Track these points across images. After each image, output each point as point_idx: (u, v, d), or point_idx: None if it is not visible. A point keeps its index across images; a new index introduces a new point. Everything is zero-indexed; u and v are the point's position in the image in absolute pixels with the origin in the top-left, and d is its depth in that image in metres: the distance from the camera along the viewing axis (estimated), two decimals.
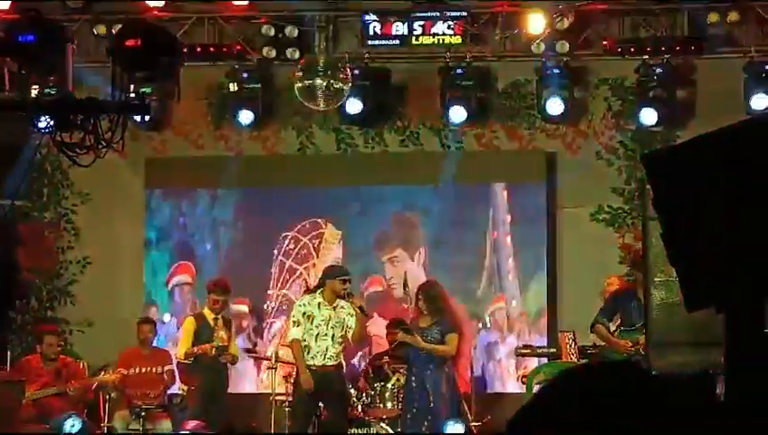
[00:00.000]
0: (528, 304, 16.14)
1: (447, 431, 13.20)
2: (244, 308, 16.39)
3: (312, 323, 13.57)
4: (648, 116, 15.47)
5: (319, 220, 16.46)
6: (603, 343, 13.77)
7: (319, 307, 13.61)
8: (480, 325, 16.04)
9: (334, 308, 13.65)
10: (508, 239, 16.19)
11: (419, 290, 14.02)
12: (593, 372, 2.32)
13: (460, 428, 13.22)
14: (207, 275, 15.91)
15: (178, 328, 15.62)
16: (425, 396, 13.59)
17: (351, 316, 13.62)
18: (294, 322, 13.69)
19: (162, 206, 16.82)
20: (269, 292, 16.45)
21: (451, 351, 13.65)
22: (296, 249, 16.45)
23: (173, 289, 16.65)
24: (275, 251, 16.47)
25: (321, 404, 13.79)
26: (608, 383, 2.26)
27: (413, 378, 13.71)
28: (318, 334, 13.55)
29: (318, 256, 16.37)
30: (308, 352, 13.53)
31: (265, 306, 16.46)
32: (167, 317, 16.47)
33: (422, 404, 13.58)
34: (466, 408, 14.05)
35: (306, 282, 15.59)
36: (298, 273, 16.41)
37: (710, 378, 4.12)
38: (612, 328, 13.63)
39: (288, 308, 15.52)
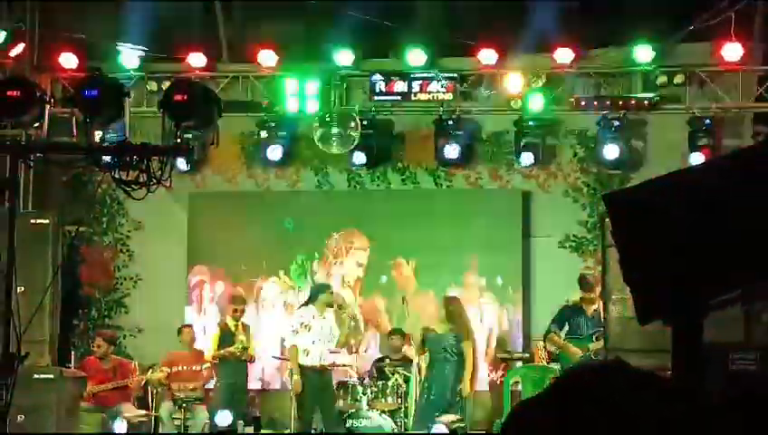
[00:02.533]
0: (506, 315, 16.13)
1: (435, 428, 13.16)
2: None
3: (309, 332, 13.70)
4: (611, 152, 15.52)
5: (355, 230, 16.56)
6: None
7: (314, 317, 13.75)
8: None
9: (324, 318, 13.80)
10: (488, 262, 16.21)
11: (445, 301, 14.05)
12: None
13: (443, 428, 13.14)
14: None
15: None
16: (426, 393, 13.62)
17: (336, 325, 13.99)
18: (294, 331, 13.84)
19: None
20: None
21: (470, 356, 13.77)
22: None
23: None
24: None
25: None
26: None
27: (432, 373, 13.74)
28: (315, 341, 13.68)
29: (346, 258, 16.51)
30: (307, 355, 13.71)
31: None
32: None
33: (432, 398, 13.62)
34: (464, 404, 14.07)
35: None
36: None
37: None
38: (562, 336, 13.68)
39: None
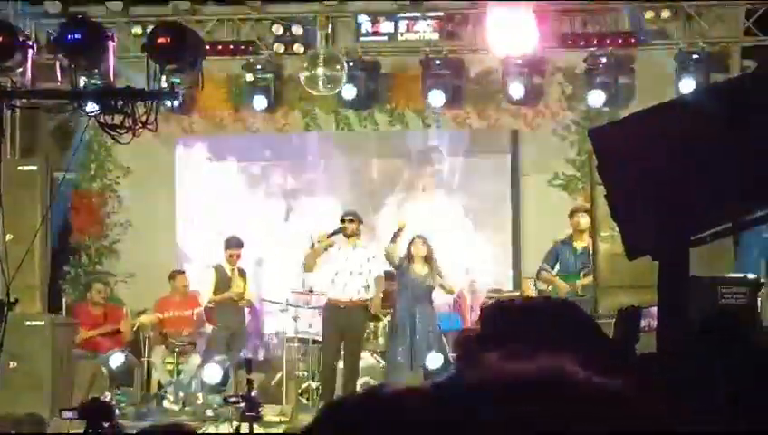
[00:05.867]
0: (496, 254, 16.17)
1: (427, 363, 13.17)
2: None
3: (329, 254, 13.50)
4: (596, 98, 15.47)
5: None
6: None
7: (339, 249, 13.55)
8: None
9: (354, 249, 13.57)
10: (477, 202, 16.22)
11: (423, 242, 13.86)
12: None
13: (439, 359, 13.20)
14: None
15: None
16: (411, 332, 13.57)
17: (373, 259, 13.65)
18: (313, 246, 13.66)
19: None
20: None
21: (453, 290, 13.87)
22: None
23: None
24: None
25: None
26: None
27: (401, 316, 13.67)
28: (338, 271, 13.47)
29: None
30: (334, 286, 13.49)
31: None
32: None
33: (408, 340, 13.57)
34: (445, 342, 14.07)
35: None
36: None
37: (635, 311, 4.14)
38: (553, 273, 13.73)
39: None
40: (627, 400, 1.39)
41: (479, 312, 13.15)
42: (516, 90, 15.62)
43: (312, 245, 13.73)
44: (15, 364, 11.43)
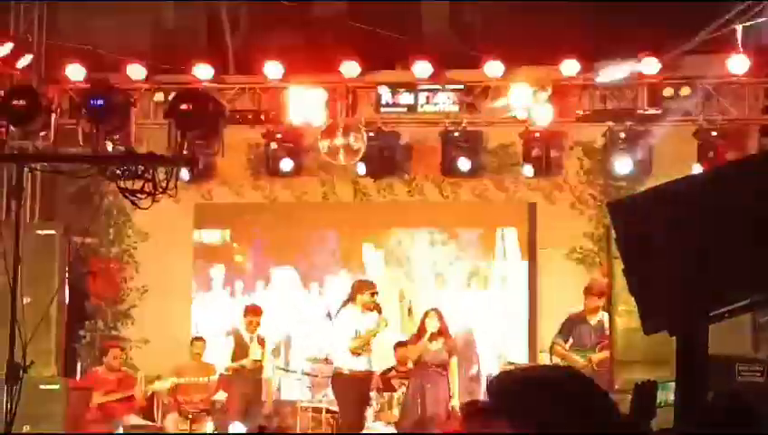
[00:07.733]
0: (512, 327, 16.11)
1: None
2: None
3: (348, 325, 13.28)
4: (623, 165, 15.48)
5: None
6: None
7: (359, 322, 13.30)
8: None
9: (368, 319, 13.38)
10: (495, 274, 16.20)
11: (438, 316, 13.78)
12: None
13: None
14: None
15: None
16: (421, 407, 13.50)
17: (383, 325, 13.35)
18: (348, 342, 13.30)
19: None
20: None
21: (455, 370, 13.69)
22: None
23: None
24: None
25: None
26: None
27: (413, 389, 13.61)
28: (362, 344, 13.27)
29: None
30: (356, 358, 13.21)
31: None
32: None
33: (418, 415, 13.50)
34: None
35: None
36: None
37: (652, 386, 4.14)
38: (567, 347, 13.63)
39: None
40: None
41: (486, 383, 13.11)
42: (535, 163, 15.66)
43: (328, 314, 13.71)
44: (29, 428, 11.40)
